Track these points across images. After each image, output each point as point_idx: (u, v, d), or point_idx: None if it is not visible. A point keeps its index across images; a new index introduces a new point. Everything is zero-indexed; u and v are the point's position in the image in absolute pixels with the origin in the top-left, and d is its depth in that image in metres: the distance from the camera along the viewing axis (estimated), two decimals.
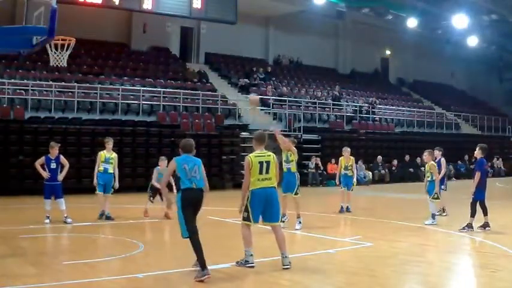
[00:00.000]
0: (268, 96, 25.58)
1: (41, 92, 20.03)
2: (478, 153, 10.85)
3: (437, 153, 13.22)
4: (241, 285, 6.54)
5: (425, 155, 11.67)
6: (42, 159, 10.92)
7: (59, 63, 13.81)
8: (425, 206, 16.55)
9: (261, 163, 7.16)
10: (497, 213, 13.90)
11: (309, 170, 22.78)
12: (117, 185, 11.82)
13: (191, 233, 6.52)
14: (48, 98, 19.76)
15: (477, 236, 9.95)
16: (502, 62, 40.04)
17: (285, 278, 6.68)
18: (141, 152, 19.46)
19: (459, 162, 28.97)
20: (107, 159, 11.70)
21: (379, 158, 25.05)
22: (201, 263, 6.40)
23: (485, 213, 10.35)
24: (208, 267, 6.53)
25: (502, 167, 30.79)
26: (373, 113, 28.82)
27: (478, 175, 10.45)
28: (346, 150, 13.83)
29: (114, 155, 11.91)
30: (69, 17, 17.37)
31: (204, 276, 6.31)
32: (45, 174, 10.80)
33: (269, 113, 24.91)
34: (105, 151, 11.81)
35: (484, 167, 10.90)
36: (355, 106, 28.36)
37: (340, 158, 13.99)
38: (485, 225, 10.28)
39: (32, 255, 8.04)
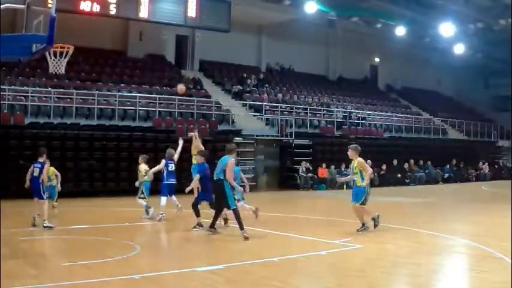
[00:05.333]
0: (263, 102, 26.20)
1: (40, 98, 20.35)
2: (352, 154, 11.08)
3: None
4: (234, 285, 6.68)
5: (350, 151, 11.12)
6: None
7: (57, 70, 14.29)
8: (414, 209, 17.15)
9: None
10: (482, 215, 14.55)
11: (299, 173, 23.33)
12: None
13: None
14: (47, 104, 20.08)
15: (463, 238, 10.22)
16: (488, 69, 40.73)
17: (276, 279, 6.83)
18: (138, 156, 19.90)
19: (447, 167, 29.71)
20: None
21: (369, 162, 25.58)
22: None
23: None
24: (203, 269, 6.94)
25: (487, 171, 31.55)
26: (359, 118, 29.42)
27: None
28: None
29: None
30: (67, 25, 17.85)
31: None
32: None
33: (261, 118, 25.52)
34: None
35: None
36: (345, 112, 28.98)
37: None
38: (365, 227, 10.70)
39: (31, 257, 8.20)
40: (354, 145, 11.31)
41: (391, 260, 8.13)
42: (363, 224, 10.76)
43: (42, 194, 10.82)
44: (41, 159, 11.08)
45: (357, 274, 7.19)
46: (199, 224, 10.72)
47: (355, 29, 33.21)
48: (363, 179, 10.78)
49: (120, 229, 11.35)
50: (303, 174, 23.25)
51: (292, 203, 19.16)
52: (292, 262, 7.97)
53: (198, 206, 10.87)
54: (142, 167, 12.86)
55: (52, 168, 12.71)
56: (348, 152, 11.24)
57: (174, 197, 12.34)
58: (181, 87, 14.21)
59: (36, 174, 10.85)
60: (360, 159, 10.96)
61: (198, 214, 10.78)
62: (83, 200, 15.88)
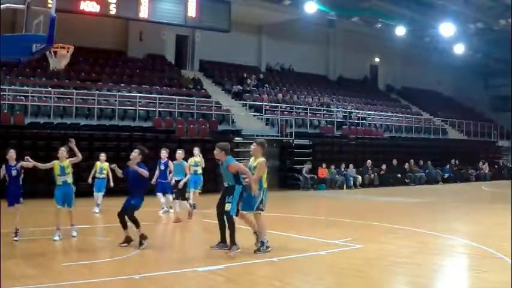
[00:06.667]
0: (263, 102, 26.21)
1: (40, 98, 20.36)
2: (257, 150, 9.00)
3: (164, 154, 13.06)
4: (234, 285, 6.71)
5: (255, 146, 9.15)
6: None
7: (57, 66, 14.31)
8: (414, 209, 17.15)
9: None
10: (482, 215, 14.59)
11: (303, 174, 23.29)
12: None
13: None
14: (47, 104, 20.09)
15: (463, 238, 10.25)
16: (488, 69, 40.81)
17: (276, 279, 6.89)
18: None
19: (446, 167, 29.72)
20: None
21: (369, 162, 25.69)
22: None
23: None
24: (203, 269, 6.96)
25: (487, 171, 31.57)
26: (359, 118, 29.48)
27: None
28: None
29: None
30: (67, 25, 17.85)
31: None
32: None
33: (261, 118, 25.53)
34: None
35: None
36: (345, 112, 29.01)
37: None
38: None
39: (31, 256, 8.20)
40: (261, 140, 9.41)
41: (391, 260, 8.15)
42: (256, 235, 8.72)
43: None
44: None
45: (357, 274, 7.22)
46: (128, 240, 9.06)
47: (355, 29, 33.23)
48: (261, 181, 8.80)
49: (120, 229, 11.29)
50: (306, 175, 23.21)
51: (292, 203, 19.16)
52: (292, 262, 7.99)
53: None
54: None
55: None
56: (252, 147, 9.09)
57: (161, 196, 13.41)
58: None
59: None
60: (262, 160, 8.92)
61: (136, 225, 9.03)
62: (82, 200, 15.85)
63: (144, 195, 9.21)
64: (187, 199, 12.85)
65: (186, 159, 13.87)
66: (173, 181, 12.88)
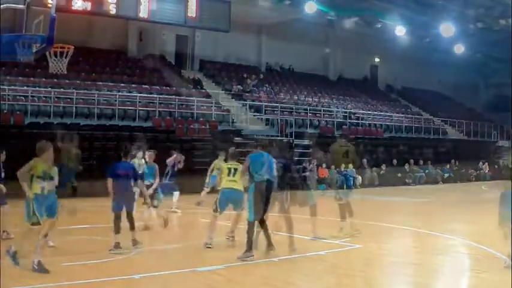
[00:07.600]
0: (263, 102, 26.22)
1: (40, 98, 20.42)
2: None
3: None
4: (234, 285, 6.78)
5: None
6: None
7: (59, 70, 14.30)
8: (414, 209, 17.09)
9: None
10: (482, 215, 14.55)
11: (313, 173, 23.18)
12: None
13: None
14: (47, 104, 20.17)
15: (463, 238, 10.27)
16: (488, 69, 40.86)
17: (277, 279, 6.96)
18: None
19: (446, 167, 29.71)
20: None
21: (364, 161, 25.66)
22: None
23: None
24: (203, 269, 6.99)
25: (487, 171, 31.57)
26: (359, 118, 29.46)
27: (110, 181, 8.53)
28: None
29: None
30: (67, 25, 17.83)
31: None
32: None
33: (261, 118, 25.53)
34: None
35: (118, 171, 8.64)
36: (345, 112, 29.02)
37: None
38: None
39: (31, 256, 8.17)
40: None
41: (391, 260, 8.20)
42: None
43: None
44: None
45: (357, 274, 7.26)
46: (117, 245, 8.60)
47: (355, 29, 33.19)
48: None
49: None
50: (314, 174, 23.09)
51: (292, 203, 19.13)
52: (293, 262, 8.01)
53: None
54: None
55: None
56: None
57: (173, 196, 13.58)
58: None
59: None
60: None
61: (118, 230, 8.69)
62: (82, 200, 15.87)
63: (123, 198, 8.77)
64: (155, 206, 11.26)
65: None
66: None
